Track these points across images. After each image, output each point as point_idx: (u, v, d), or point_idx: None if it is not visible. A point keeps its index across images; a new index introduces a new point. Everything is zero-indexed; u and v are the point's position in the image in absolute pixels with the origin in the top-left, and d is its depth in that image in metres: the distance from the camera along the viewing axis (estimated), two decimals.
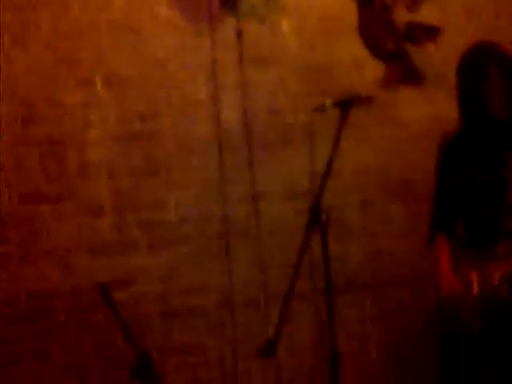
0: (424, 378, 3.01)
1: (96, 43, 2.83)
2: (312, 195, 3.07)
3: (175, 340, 2.91)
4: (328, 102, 2.26)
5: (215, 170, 3.02)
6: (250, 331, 3.01)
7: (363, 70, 3.32)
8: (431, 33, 3.26)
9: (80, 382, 2.78)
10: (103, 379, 2.80)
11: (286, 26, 3.19)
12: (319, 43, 3.25)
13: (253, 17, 3.12)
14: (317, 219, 2.17)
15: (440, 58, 3.45)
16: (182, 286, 2.94)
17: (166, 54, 2.96)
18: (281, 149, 3.14)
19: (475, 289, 2.29)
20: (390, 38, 3.34)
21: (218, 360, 2.96)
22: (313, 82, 3.22)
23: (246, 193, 3.06)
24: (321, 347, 3.02)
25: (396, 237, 3.35)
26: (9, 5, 2.70)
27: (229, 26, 3.07)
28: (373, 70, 3.34)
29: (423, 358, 3.02)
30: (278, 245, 3.10)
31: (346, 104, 2.20)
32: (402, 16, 3.29)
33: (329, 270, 2.20)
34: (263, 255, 3.05)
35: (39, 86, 2.74)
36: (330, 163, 2.23)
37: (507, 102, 2.37)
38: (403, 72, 3.37)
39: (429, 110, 3.45)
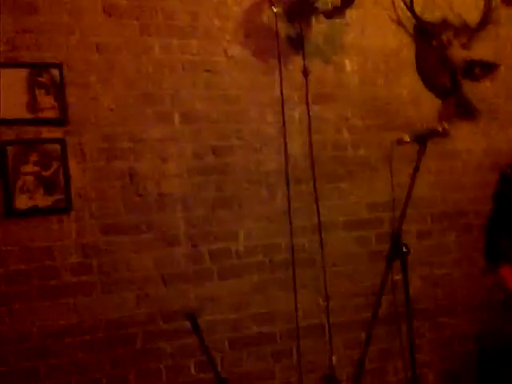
0: None
1: (174, 82, 2.98)
2: (372, 225, 3.24)
3: (244, 367, 3.02)
4: (406, 136, 2.39)
5: (282, 202, 3.15)
6: (314, 359, 3.13)
7: (420, 105, 3.47)
8: (489, 69, 3.38)
9: None
10: None
11: (348, 64, 3.34)
12: (379, 80, 3.40)
13: (318, 56, 3.27)
14: (398, 250, 2.26)
15: (493, 93, 3.59)
16: (251, 314, 3.05)
17: (237, 91, 3.11)
18: (343, 181, 3.27)
19: None
20: (446, 75, 3.47)
21: None
22: (373, 118, 3.37)
23: (310, 223, 3.18)
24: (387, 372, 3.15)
25: (451, 265, 3.46)
26: (95, 46, 2.86)
27: (296, 64, 3.22)
28: (430, 105, 3.47)
29: None
30: (340, 273, 3.22)
31: (425, 138, 2.33)
32: (459, 53, 3.41)
33: (409, 299, 2.29)
34: (327, 283, 3.16)
35: (122, 122, 2.89)
36: (409, 195, 2.31)
37: None
38: (458, 107, 3.50)
39: (482, 142, 3.58)
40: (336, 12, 3.20)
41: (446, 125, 2.40)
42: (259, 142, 3.15)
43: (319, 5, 3.17)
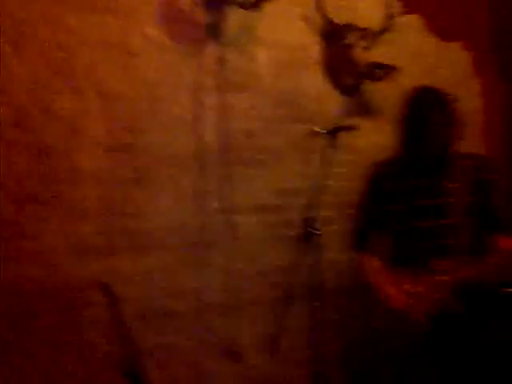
0: None
1: (91, 58, 3.00)
2: (280, 210, 3.40)
3: (151, 341, 3.08)
4: (317, 128, 2.56)
5: (194, 184, 3.24)
6: (222, 334, 3.25)
7: (325, 101, 3.68)
8: (388, 71, 3.66)
9: (64, 382, 2.88)
10: (87, 378, 2.92)
11: (261, 56, 3.50)
12: (289, 74, 3.58)
13: (233, 46, 3.40)
14: (311, 233, 2.47)
15: (390, 93, 3.87)
16: (159, 290, 3.11)
17: (154, 73, 3.17)
18: (253, 168, 3.42)
19: (424, 304, 2.53)
20: (350, 74, 3.72)
21: (191, 360, 3.16)
22: (282, 109, 3.54)
23: (221, 206, 3.30)
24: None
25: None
26: (9, 17, 2.83)
27: (213, 52, 3.33)
28: (334, 102, 3.70)
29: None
30: (247, 255, 3.36)
31: (336, 131, 2.52)
32: (362, 55, 3.67)
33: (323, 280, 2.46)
34: (234, 264, 3.29)
35: (34, 94, 2.87)
36: (322, 182, 2.48)
37: (444, 141, 2.67)
38: (360, 105, 3.76)
39: (382, 139, 3.84)
40: (252, 4, 3.35)
41: (355, 120, 2.58)
42: (174, 124, 3.23)
43: None
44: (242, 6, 3.33)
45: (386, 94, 3.86)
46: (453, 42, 4.16)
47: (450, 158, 2.67)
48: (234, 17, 3.40)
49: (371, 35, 3.80)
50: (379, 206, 2.74)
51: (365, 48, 3.74)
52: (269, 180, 3.44)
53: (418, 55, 4.03)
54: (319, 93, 3.67)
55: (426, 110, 2.67)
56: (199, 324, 3.20)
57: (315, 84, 3.66)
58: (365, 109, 3.75)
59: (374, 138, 3.83)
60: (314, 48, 3.67)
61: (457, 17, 4.16)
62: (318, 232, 2.56)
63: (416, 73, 3.97)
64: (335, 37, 3.69)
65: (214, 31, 3.35)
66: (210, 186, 3.29)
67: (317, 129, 2.58)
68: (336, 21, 3.71)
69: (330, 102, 3.69)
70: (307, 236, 2.52)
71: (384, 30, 3.84)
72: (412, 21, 4.02)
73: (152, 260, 3.12)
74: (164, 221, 3.17)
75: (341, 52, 3.70)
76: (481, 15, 4.27)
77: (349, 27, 3.74)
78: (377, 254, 2.81)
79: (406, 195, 2.67)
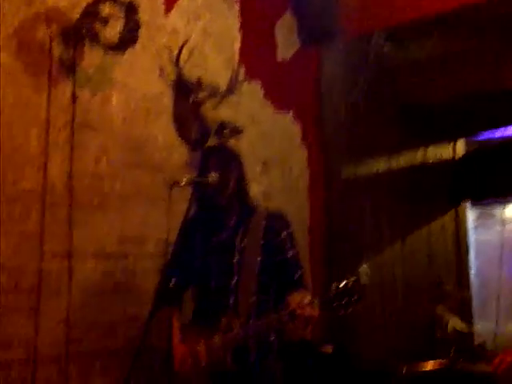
0: None
1: None
2: (118, 257, 3.31)
3: None
4: (182, 182, 2.58)
5: (36, 224, 3.03)
6: None
7: (172, 151, 3.73)
8: (235, 132, 3.84)
9: None
10: None
11: (114, 99, 3.45)
12: (140, 121, 3.57)
13: (87, 85, 3.32)
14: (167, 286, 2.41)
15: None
16: None
17: (2, 102, 2.95)
18: (97, 212, 3.30)
19: (203, 360, 2.48)
20: (197, 130, 3.82)
21: None
22: (131, 155, 3.50)
23: (62, 249, 3.12)
24: None
25: None
26: None
27: (66, 89, 3.21)
28: (180, 153, 3.76)
29: None
30: (86, 303, 3.19)
31: (198, 184, 2.60)
32: (210, 112, 3.81)
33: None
34: (71, 312, 3.10)
35: None
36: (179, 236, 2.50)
37: (226, 190, 2.62)
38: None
39: None
40: (113, 47, 3.32)
41: (214, 175, 2.57)
42: (20, 160, 3.01)
43: (99, 36, 3.24)
44: (103, 47, 3.28)
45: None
46: (285, 112, 4.50)
47: (242, 214, 2.66)
48: (92, 56, 3.32)
49: (218, 95, 3.97)
50: (186, 260, 2.71)
51: (214, 106, 3.89)
52: (112, 226, 3.34)
53: (256, 120, 4.28)
54: (167, 143, 3.71)
55: (202, 159, 2.77)
56: (27, 377, 2.93)
57: (164, 134, 3.70)
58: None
59: None
60: (166, 99, 3.71)
61: (289, 90, 4.53)
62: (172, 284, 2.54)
63: (253, 136, 4.22)
64: (186, 92, 3.78)
65: (69, 68, 3.23)
66: (53, 228, 3.09)
67: (182, 182, 2.57)
68: (188, 76, 3.81)
69: (177, 153, 3.74)
70: (162, 290, 2.47)
71: (229, 92, 4.05)
72: (252, 87, 4.28)
73: None
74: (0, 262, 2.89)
75: (190, 107, 3.79)
76: (308, 92, 4.71)
77: (199, 84, 3.87)
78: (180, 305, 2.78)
79: (200, 252, 2.68)
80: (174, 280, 2.64)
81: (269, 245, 2.60)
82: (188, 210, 2.60)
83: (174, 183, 2.56)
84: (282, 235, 2.64)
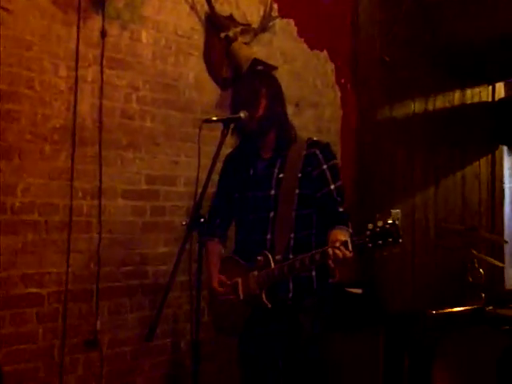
0: None
1: None
2: (148, 196, 3.31)
3: (6, 328, 2.82)
4: (214, 117, 2.51)
5: (65, 161, 3.03)
6: (80, 323, 3.07)
7: (203, 90, 3.66)
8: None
9: None
10: None
11: (144, 35, 3.37)
12: (169, 58, 3.50)
13: (117, 21, 3.24)
14: (198, 221, 2.34)
15: None
16: (20, 274, 2.86)
17: (32, 36, 2.91)
18: (127, 150, 3.28)
19: (240, 294, 2.45)
20: (228, 67, 3.73)
21: (47, 349, 2.94)
22: (161, 93, 3.45)
23: (91, 187, 3.12)
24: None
25: None
26: None
27: (95, 23, 3.14)
28: (211, 91, 3.69)
29: None
30: (115, 240, 3.21)
31: (228, 121, 2.46)
32: (242, 50, 3.70)
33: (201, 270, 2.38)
34: (101, 249, 3.13)
35: None
36: (210, 172, 2.38)
37: (257, 114, 2.43)
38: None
39: None
40: None
41: (247, 113, 2.42)
42: (49, 95, 2.98)
43: None
44: None
45: None
46: (319, 52, 4.36)
47: (280, 144, 2.50)
48: None
49: (251, 32, 3.85)
50: (227, 195, 2.62)
51: (245, 43, 3.78)
52: (141, 165, 3.32)
53: (289, 59, 4.16)
54: (198, 81, 3.64)
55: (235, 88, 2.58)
56: (59, 311, 2.99)
57: (195, 72, 3.62)
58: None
59: None
60: (197, 35, 3.62)
61: (324, 29, 4.37)
62: (202, 220, 2.48)
63: (286, 76, 4.10)
64: (218, 28, 3.68)
65: (98, 2, 3.15)
66: (82, 166, 3.09)
67: (213, 117, 2.51)
68: (219, 12, 3.70)
69: (208, 91, 3.67)
70: (193, 224, 2.41)
71: (262, 29, 3.93)
72: (286, 25, 4.14)
73: (14, 240, 2.85)
74: (31, 198, 2.92)
75: (222, 44, 3.69)
76: (344, 31, 4.53)
77: (231, 20, 3.76)
78: (224, 239, 2.69)
79: (239, 186, 2.55)
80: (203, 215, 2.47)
81: (308, 177, 2.43)
82: (220, 144, 2.46)
83: (205, 120, 2.49)
84: (323, 166, 2.44)
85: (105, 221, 3.16)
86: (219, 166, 2.58)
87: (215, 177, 3.12)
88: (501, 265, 4.09)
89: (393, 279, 4.36)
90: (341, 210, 2.46)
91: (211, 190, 3.43)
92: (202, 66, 3.65)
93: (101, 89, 3.15)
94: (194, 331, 2.24)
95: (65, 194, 3.02)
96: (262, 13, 3.94)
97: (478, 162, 5.37)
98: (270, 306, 2.37)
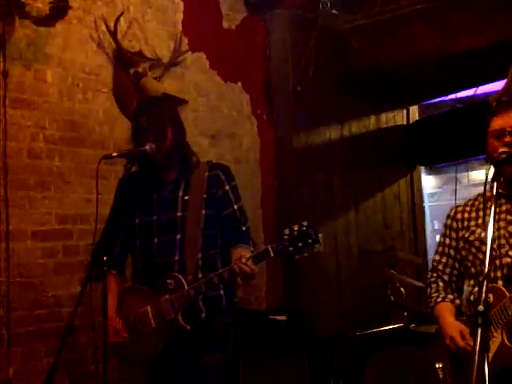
0: None
1: None
2: (60, 236, 3.25)
3: None
4: (115, 153, 2.51)
5: None
6: None
7: (114, 125, 3.65)
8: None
9: None
10: None
11: (49, 74, 3.35)
12: (77, 95, 3.48)
13: (19, 60, 3.21)
14: (99, 261, 2.33)
15: None
16: None
17: None
18: (35, 190, 3.23)
19: (152, 323, 2.37)
20: (138, 102, 3.74)
21: None
22: (69, 131, 3.42)
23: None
24: None
25: None
26: None
27: None
28: (122, 127, 3.68)
29: None
30: (26, 284, 3.13)
31: (132, 155, 2.47)
32: (152, 84, 3.72)
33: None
34: (11, 294, 3.04)
35: None
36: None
37: (162, 147, 2.44)
38: None
39: None
40: (43, 20, 3.20)
41: (153, 145, 2.41)
42: None
43: (27, 9, 3.12)
44: (33, 20, 3.17)
45: None
46: (233, 83, 4.43)
47: (183, 169, 2.52)
48: (22, 30, 3.21)
49: (161, 66, 3.88)
50: (120, 220, 2.55)
51: (155, 78, 3.80)
52: (51, 204, 3.26)
53: (203, 92, 4.21)
54: (108, 117, 3.63)
55: (135, 117, 2.58)
56: None
57: (105, 108, 3.61)
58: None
59: None
60: (105, 72, 3.62)
61: (237, 60, 4.45)
62: (105, 258, 2.46)
63: (201, 108, 4.15)
64: (126, 64, 3.69)
65: None
66: None
67: (114, 153, 2.51)
68: (127, 48, 3.71)
69: (119, 127, 3.66)
70: (94, 263, 2.39)
71: (173, 64, 3.97)
72: (197, 59, 4.20)
73: None
74: None
75: (131, 79, 3.70)
76: (256, 63, 4.63)
77: (139, 56, 3.78)
78: (122, 270, 2.63)
79: (141, 210, 2.51)
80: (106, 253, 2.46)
81: (213, 197, 2.48)
82: (123, 176, 2.47)
83: (104, 156, 2.48)
84: (226, 187, 2.52)
85: (14, 264, 3.07)
86: None
87: None
88: (418, 284, 4.18)
89: (318, 303, 4.40)
90: (244, 228, 2.53)
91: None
92: (112, 101, 3.65)
93: (4, 130, 3.09)
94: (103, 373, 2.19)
95: None
96: (172, 47, 3.96)
97: (397, 183, 5.53)
98: (188, 327, 2.35)
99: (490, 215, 1.82)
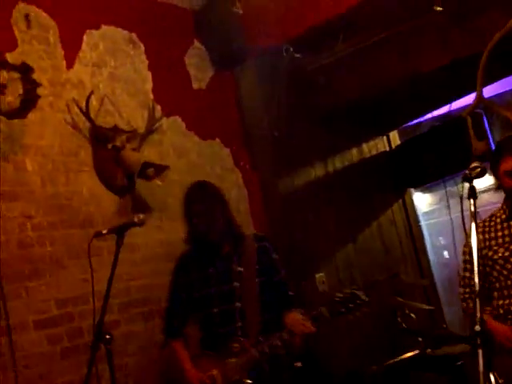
0: None
1: None
2: (61, 321, 3.25)
3: None
4: (105, 230, 2.56)
5: None
6: None
7: (100, 201, 3.69)
8: (159, 170, 3.82)
9: None
10: None
11: (28, 163, 3.40)
12: (60, 179, 3.53)
13: None
14: (102, 338, 2.37)
15: (162, 190, 4.04)
16: None
17: None
18: (30, 280, 3.24)
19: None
20: (121, 175, 3.79)
21: None
22: (56, 215, 3.45)
23: None
24: None
25: (141, 352, 3.64)
26: None
27: None
28: (109, 201, 3.72)
29: None
30: (33, 375, 3.12)
31: (122, 229, 2.53)
32: (132, 155, 3.78)
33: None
34: None
35: None
36: (109, 286, 2.45)
37: (215, 226, 2.83)
38: (134, 203, 3.84)
39: (156, 235, 3.94)
40: (16, 113, 3.28)
41: (140, 216, 2.59)
42: None
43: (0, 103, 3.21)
44: (6, 114, 3.24)
45: (160, 191, 4.00)
46: (211, 140, 4.50)
47: (234, 242, 2.85)
48: None
49: (138, 137, 3.95)
50: (182, 295, 2.91)
51: (133, 149, 3.87)
52: (49, 291, 3.27)
53: (183, 153, 4.27)
54: (93, 195, 3.67)
55: (187, 203, 2.90)
56: None
57: (89, 186, 3.66)
58: (140, 207, 3.83)
59: (153, 235, 3.91)
60: (84, 151, 3.68)
61: (212, 118, 4.53)
62: (108, 337, 2.49)
63: (183, 168, 4.21)
64: (103, 140, 3.76)
65: None
66: None
67: (104, 230, 2.56)
68: (102, 125, 3.79)
69: (106, 202, 3.71)
70: (97, 343, 2.43)
71: (149, 132, 4.04)
72: (173, 122, 4.28)
73: None
74: None
75: (110, 154, 3.77)
76: (230, 117, 4.71)
77: (115, 129, 3.85)
78: (188, 340, 2.94)
79: (199, 284, 2.84)
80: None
81: (263, 266, 2.82)
82: (116, 254, 2.55)
83: (95, 234, 2.55)
84: (274, 256, 2.88)
85: (20, 356, 3.06)
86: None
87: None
88: (428, 307, 4.16)
89: (329, 344, 4.36)
90: (291, 293, 2.90)
91: (119, 300, 3.46)
92: (95, 179, 3.70)
93: None
94: None
95: None
96: (146, 116, 4.04)
97: (390, 209, 5.55)
98: None
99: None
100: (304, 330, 2.57)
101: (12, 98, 3.31)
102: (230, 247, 2.85)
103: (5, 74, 3.24)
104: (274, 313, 2.78)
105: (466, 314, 2.90)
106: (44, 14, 3.62)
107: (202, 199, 2.85)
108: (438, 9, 4.11)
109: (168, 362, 3.04)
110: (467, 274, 2.89)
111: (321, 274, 4.62)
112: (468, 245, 2.70)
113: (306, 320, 2.57)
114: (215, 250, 2.86)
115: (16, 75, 3.28)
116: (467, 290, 2.87)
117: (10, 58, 3.37)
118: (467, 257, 2.85)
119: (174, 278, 3.00)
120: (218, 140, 4.53)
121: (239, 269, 2.79)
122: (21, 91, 3.33)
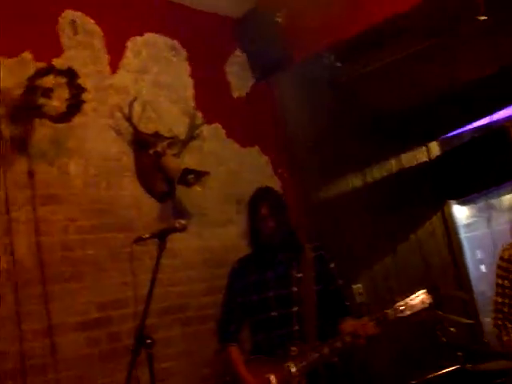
0: None
1: None
2: (101, 324, 3.27)
3: None
4: (146, 235, 2.57)
5: (10, 305, 3.00)
6: None
7: (141, 207, 3.71)
8: (199, 176, 3.83)
9: None
10: None
11: (72, 167, 3.44)
12: (101, 183, 3.56)
13: (43, 158, 3.32)
14: (143, 342, 2.37)
15: (202, 197, 4.04)
16: None
17: None
18: (72, 282, 3.27)
19: None
20: (162, 181, 3.81)
21: None
22: (98, 219, 3.48)
23: (41, 327, 3.08)
24: None
25: (179, 357, 3.64)
26: None
27: (21, 165, 3.21)
28: (149, 207, 3.74)
29: None
30: (73, 377, 3.13)
31: (164, 234, 2.54)
32: (172, 162, 3.80)
33: None
34: None
35: None
36: (151, 290, 2.45)
37: (279, 231, 2.93)
38: (174, 209, 3.85)
39: (196, 241, 3.94)
40: (61, 117, 3.33)
41: (182, 221, 2.64)
42: None
43: (45, 109, 3.25)
44: (51, 119, 3.29)
45: (200, 197, 4.01)
46: (251, 148, 4.50)
47: (294, 249, 2.93)
48: (43, 129, 3.33)
49: (179, 143, 3.97)
50: (238, 299, 2.96)
51: (174, 155, 3.89)
52: (89, 293, 3.30)
53: (223, 160, 4.28)
54: (134, 200, 3.69)
55: (253, 206, 2.98)
56: None
57: (130, 191, 3.69)
58: (180, 213, 3.84)
59: (193, 241, 3.92)
60: (126, 157, 3.71)
61: (251, 125, 4.53)
62: (149, 341, 2.50)
63: (223, 176, 4.21)
64: (145, 146, 3.78)
65: (21, 144, 3.24)
66: (29, 307, 3.05)
67: (145, 235, 2.57)
68: (144, 131, 3.82)
69: (146, 207, 3.73)
70: (138, 347, 2.44)
71: (190, 138, 4.05)
72: (213, 130, 4.29)
73: None
74: None
75: (152, 160, 3.79)
76: (270, 124, 4.70)
77: (157, 136, 3.88)
78: (242, 344, 2.98)
79: (257, 287, 2.90)
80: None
81: (320, 275, 2.88)
82: (157, 259, 2.55)
83: (136, 240, 2.56)
84: (331, 265, 2.96)
85: (60, 358, 3.09)
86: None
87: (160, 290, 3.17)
88: (467, 321, 4.07)
89: (367, 354, 4.29)
90: (347, 303, 2.97)
91: (158, 305, 3.46)
92: (136, 184, 3.72)
93: (36, 227, 3.16)
94: None
95: (13, 339, 2.96)
96: (187, 123, 4.06)
97: (429, 221, 5.47)
98: None
99: None
100: (368, 332, 2.63)
101: (58, 102, 3.36)
102: (289, 253, 2.92)
103: (52, 78, 3.29)
104: (330, 320, 2.83)
105: (500, 341, 2.82)
106: (90, 21, 3.68)
107: (268, 203, 2.93)
108: (482, 18, 4.06)
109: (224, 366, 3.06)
110: (499, 300, 2.83)
111: (358, 285, 4.56)
112: (501, 267, 2.62)
113: (368, 322, 2.64)
114: (275, 255, 2.91)
115: (62, 80, 3.33)
116: (499, 315, 2.81)
117: (57, 63, 3.42)
118: (499, 280, 2.79)
119: (230, 283, 3.06)
120: (257, 147, 4.53)
121: (298, 275, 2.85)
122: (67, 96, 3.37)
